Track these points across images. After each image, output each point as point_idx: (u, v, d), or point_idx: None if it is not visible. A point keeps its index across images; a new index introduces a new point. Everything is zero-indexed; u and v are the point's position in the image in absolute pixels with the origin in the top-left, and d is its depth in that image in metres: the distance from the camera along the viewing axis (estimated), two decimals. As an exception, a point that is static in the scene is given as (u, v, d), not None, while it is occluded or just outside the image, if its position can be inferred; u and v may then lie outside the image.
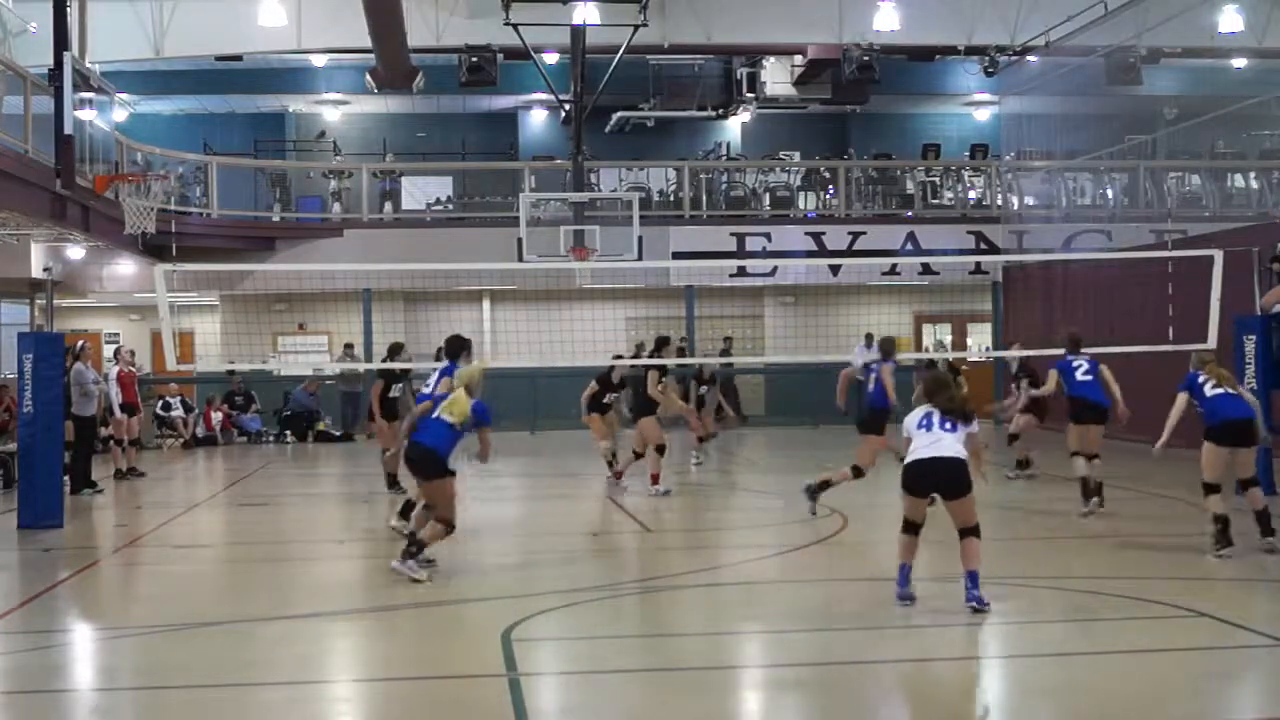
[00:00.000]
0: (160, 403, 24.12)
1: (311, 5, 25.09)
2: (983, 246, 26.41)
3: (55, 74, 18.02)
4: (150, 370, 26.52)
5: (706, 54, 29.02)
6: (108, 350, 25.33)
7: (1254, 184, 26.37)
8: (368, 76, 25.91)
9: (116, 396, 17.87)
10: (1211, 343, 13.69)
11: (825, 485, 12.84)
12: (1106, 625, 8.41)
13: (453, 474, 10.03)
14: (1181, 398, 10.81)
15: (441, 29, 25.34)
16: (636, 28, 24.41)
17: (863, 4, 25.78)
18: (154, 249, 22.57)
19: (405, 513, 11.43)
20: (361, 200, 26.80)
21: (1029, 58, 25.80)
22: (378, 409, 15.18)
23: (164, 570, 11.29)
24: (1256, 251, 16.80)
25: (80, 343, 17.11)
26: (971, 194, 28.66)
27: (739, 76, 29.30)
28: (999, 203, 27.74)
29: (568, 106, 26.16)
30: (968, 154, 29.41)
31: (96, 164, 19.93)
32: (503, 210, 26.61)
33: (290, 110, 31.78)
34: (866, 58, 25.09)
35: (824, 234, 26.74)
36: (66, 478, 14.80)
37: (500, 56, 25.01)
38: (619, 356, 16.83)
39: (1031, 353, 16.77)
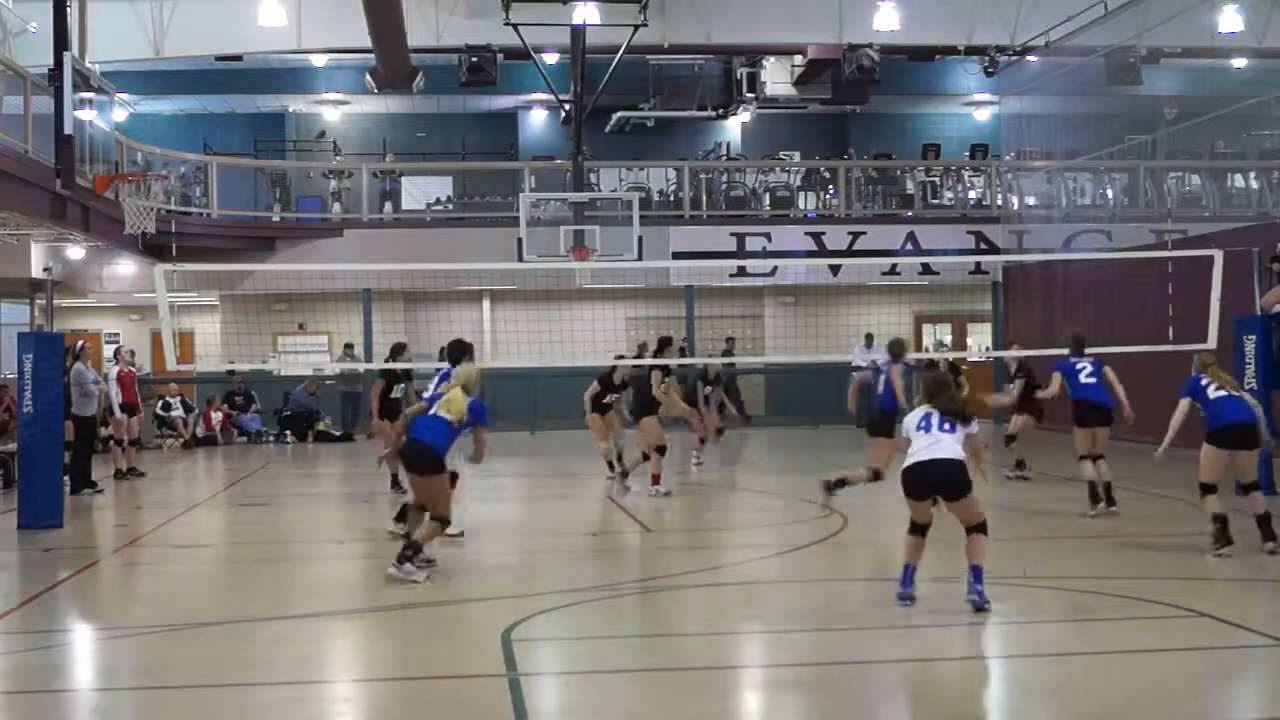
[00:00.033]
0: (160, 403, 24.12)
1: (311, 5, 25.09)
2: (983, 246, 26.41)
3: (55, 74, 18.03)
4: (150, 370, 26.51)
5: (706, 54, 29.01)
6: (108, 350, 25.33)
7: (1254, 184, 26.37)
8: (368, 76, 25.92)
9: (116, 396, 17.87)
10: (1211, 343, 13.67)
11: (843, 483, 12.62)
12: (1106, 625, 8.41)
13: (449, 472, 10.03)
14: (1184, 403, 10.77)
15: (441, 29, 25.34)
16: (636, 28, 24.41)
17: (863, 4, 25.78)
18: (154, 249, 22.58)
19: (402, 516, 11.40)
20: (361, 200, 26.80)
21: (1029, 58, 25.80)
22: (376, 409, 15.15)
23: (164, 570, 11.29)
24: (1256, 251, 16.79)
25: (80, 343, 17.10)
26: (971, 194, 28.66)
27: (739, 76, 29.29)
28: (999, 203, 27.74)
29: (568, 106, 26.16)
30: (968, 154, 29.41)
31: (96, 164, 19.93)
32: (503, 210, 26.61)
33: (290, 110, 31.78)
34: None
35: (824, 234, 26.74)
36: (66, 478, 14.80)
37: (500, 56, 25.01)
38: (621, 357, 16.82)
39: (1032, 353, 16.74)
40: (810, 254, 26.38)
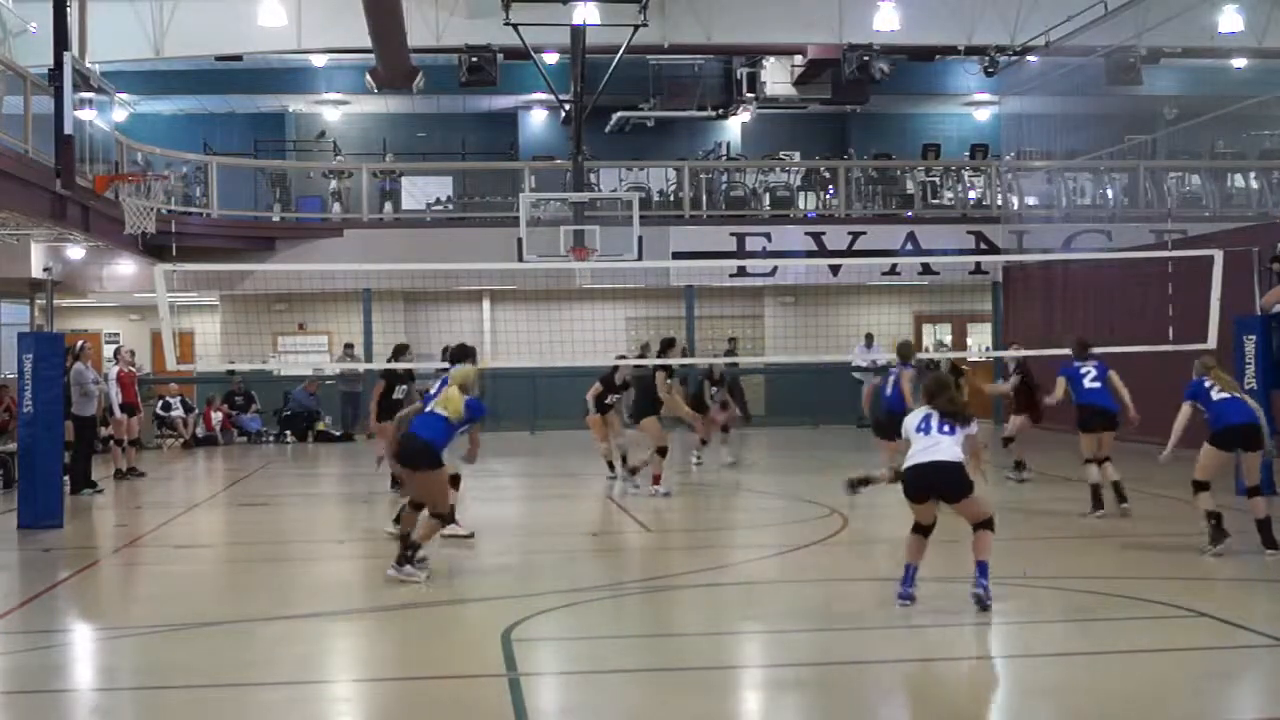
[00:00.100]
0: (160, 403, 24.13)
1: (311, 5, 25.09)
2: (983, 246, 26.41)
3: (55, 74, 18.03)
4: (150, 370, 26.52)
5: (706, 54, 29.01)
6: (108, 350, 25.33)
7: (1254, 184, 26.37)
8: (368, 76, 25.91)
9: (116, 396, 17.87)
10: (1211, 343, 13.66)
11: (866, 481, 12.55)
12: (1106, 625, 8.40)
13: (445, 468, 10.02)
14: (1187, 407, 10.76)
15: (441, 29, 25.34)
16: (636, 28, 24.41)
17: (863, 4, 25.77)
18: (154, 249, 22.58)
19: (400, 518, 11.38)
20: (361, 200, 26.80)
21: (1029, 58, 25.79)
22: (375, 409, 15.11)
23: (164, 570, 11.29)
24: (1256, 251, 16.79)
25: (80, 343, 17.10)
26: (971, 194, 28.66)
27: (739, 76, 29.29)
28: (999, 203, 27.73)
29: (568, 106, 26.16)
30: (968, 154, 29.41)
31: (96, 164, 19.94)
32: (503, 210, 26.61)
33: (290, 110, 31.77)
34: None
35: (824, 234, 26.74)
36: (66, 478, 14.80)
37: (500, 56, 25.00)
38: (622, 357, 16.81)
39: (1032, 353, 16.74)
40: (810, 254, 26.38)
